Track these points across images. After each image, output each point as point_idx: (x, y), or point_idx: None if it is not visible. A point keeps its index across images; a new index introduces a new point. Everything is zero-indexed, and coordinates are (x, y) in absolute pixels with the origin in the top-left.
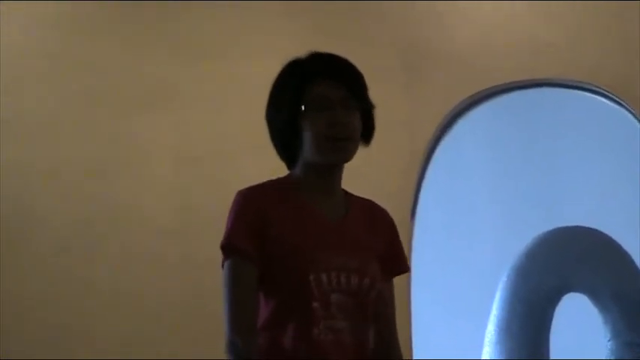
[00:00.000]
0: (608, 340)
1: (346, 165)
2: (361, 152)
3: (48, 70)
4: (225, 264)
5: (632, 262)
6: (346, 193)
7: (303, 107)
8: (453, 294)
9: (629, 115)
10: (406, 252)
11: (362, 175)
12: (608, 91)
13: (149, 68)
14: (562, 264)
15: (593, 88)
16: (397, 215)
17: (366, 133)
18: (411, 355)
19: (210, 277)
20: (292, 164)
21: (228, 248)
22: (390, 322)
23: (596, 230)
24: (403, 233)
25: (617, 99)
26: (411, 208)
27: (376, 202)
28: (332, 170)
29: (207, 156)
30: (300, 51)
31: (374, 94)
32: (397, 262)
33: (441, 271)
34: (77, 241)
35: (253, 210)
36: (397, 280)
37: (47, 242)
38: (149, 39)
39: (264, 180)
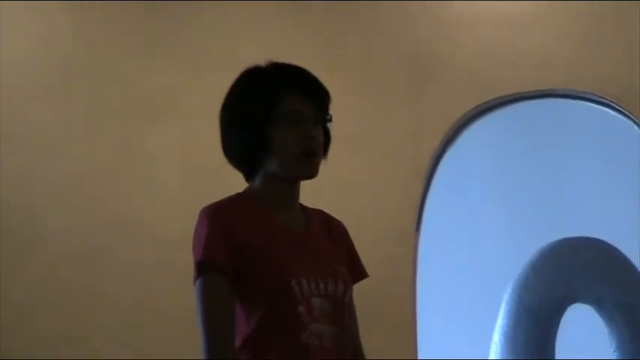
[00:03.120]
0: (614, 351)
1: (353, 176)
2: (367, 164)
3: (55, 83)
4: (200, 280)
5: (637, 272)
6: (302, 205)
7: (274, 120)
8: (458, 305)
9: (635, 126)
10: (411, 263)
11: (368, 186)
12: (613, 102)
13: (156, 79)
14: (567, 275)
15: (599, 99)
16: (402, 226)
17: (325, 147)
18: None
19: None
20: (251, 177)
21: (205, 264)
22: (356, 324)
23: (601, 241)
24: (408, 244)
25: (623, 110)
26: (416, 220)
27: (382, 213)
28: (294, 184)
29: (215, 166)
30: (306, 63)
31: (379, 105)
32: (356, 269)
33: (446, 283)
34: (85, 252)
35: (224, 225)
36: (402, 292)
37: (55, 252)
38: (155, 50)
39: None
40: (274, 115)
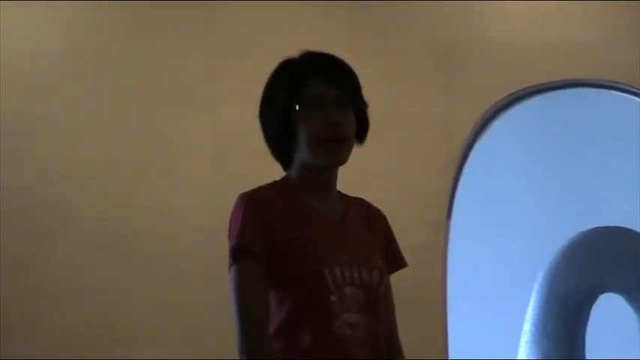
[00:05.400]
0: None
1: (384, 164)
2: (398, 152)
3: (82, 71)
4: (235, 267)
5: None
6: (340, 193)
7: (297, 107)
8: (489, 293)
9: None
10: (442, 252)
11: (398, 175)
12: None
13: (183, 66)
14: (598, 264)
15: (629, 89)
16: (433, 215)
17: (361, 133)
18: (447, 353)
19: None
20: (288, 165)
21: (240, 251)
22: (393, 316)
23: (632, 230)
24: (439, 233)
25: None
26: (447, 208)
27: (413, 202)
28: (328, 171)
29: (242, 154)
30: (337, 51)
31: (411, 93)
32: (395, 258)
33: (477, 271)
34: (112, 240)
35: (260, 212)
36: (432, 280)
37: (82, 241)
38: (182, 37)
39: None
40: (297, 101)
